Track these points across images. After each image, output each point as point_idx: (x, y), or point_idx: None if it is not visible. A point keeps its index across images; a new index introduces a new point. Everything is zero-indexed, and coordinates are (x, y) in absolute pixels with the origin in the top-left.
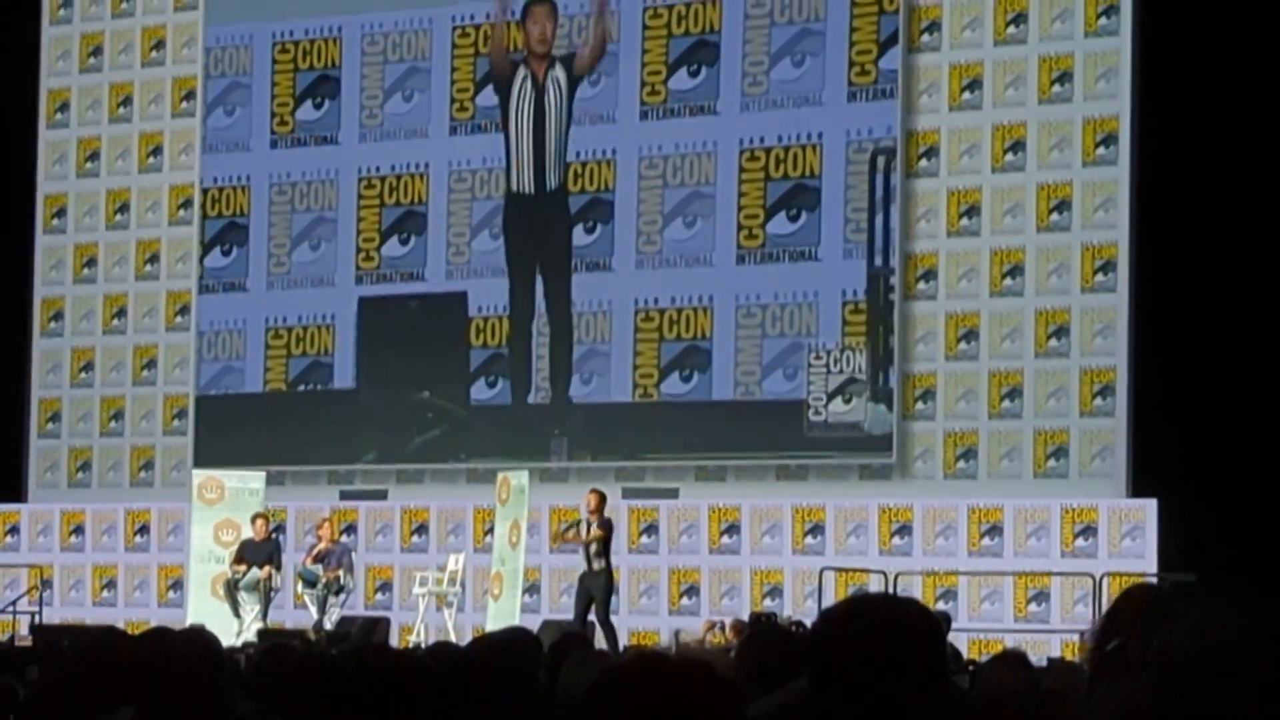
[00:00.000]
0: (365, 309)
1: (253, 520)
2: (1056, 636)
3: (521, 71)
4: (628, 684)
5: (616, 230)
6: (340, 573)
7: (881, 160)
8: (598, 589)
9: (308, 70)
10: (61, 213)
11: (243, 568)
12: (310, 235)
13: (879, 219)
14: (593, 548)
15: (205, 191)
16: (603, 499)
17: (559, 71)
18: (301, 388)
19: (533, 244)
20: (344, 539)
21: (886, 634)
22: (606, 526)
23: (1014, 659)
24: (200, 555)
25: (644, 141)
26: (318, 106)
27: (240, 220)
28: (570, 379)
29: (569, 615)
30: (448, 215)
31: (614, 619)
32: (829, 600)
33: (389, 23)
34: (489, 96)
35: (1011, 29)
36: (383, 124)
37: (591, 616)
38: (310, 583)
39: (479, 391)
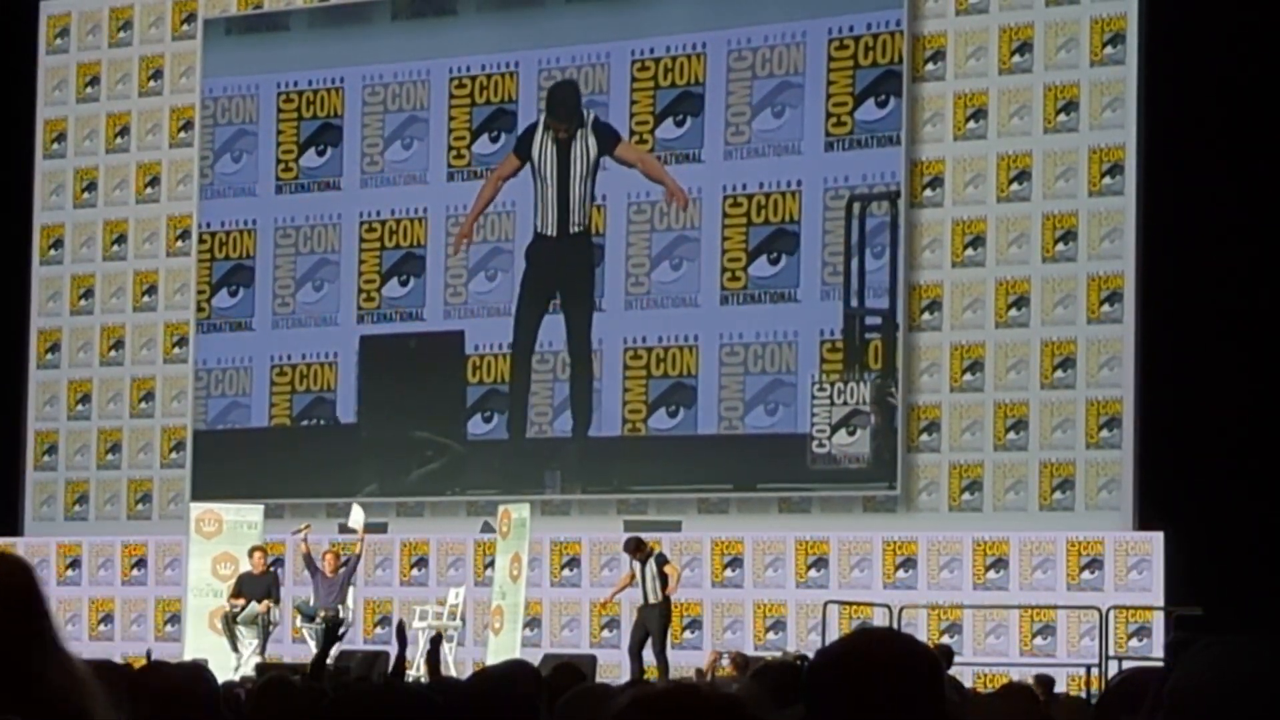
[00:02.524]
0: (366, 347)
1: (250, 554)
2: (1062, 670)
3: (541, 130)
4: (658, 715)
5: (607, 272)
6: (339, 607)
7: (857, 206)
8: (654, 621)
9: (311, 119)
10: (58, 243)
11: (241, 601)
12: (314, 276)
13: (854, 261)
14: (650, 583)
15: (214, 235)
16: (638, 545)
17: (589, 129)
18: (305, 422)
19: (552, 283)
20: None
21: (885, 669)
22: (663, 560)
23: (1019, 692)
24: (198, 589)
25: (633, 188)
26: (321, 154)
27: (246, 262)
28: (591, 415)
29: (570, 649)
30: (445, 258)
31: (615, 652)
32: (833, 634)
33: (389, 74)
34: (485, 144)
35: (1017, 58)
36: (383, 170)
37: (647, 650)
38: (309, 617)
39: (475, 426)
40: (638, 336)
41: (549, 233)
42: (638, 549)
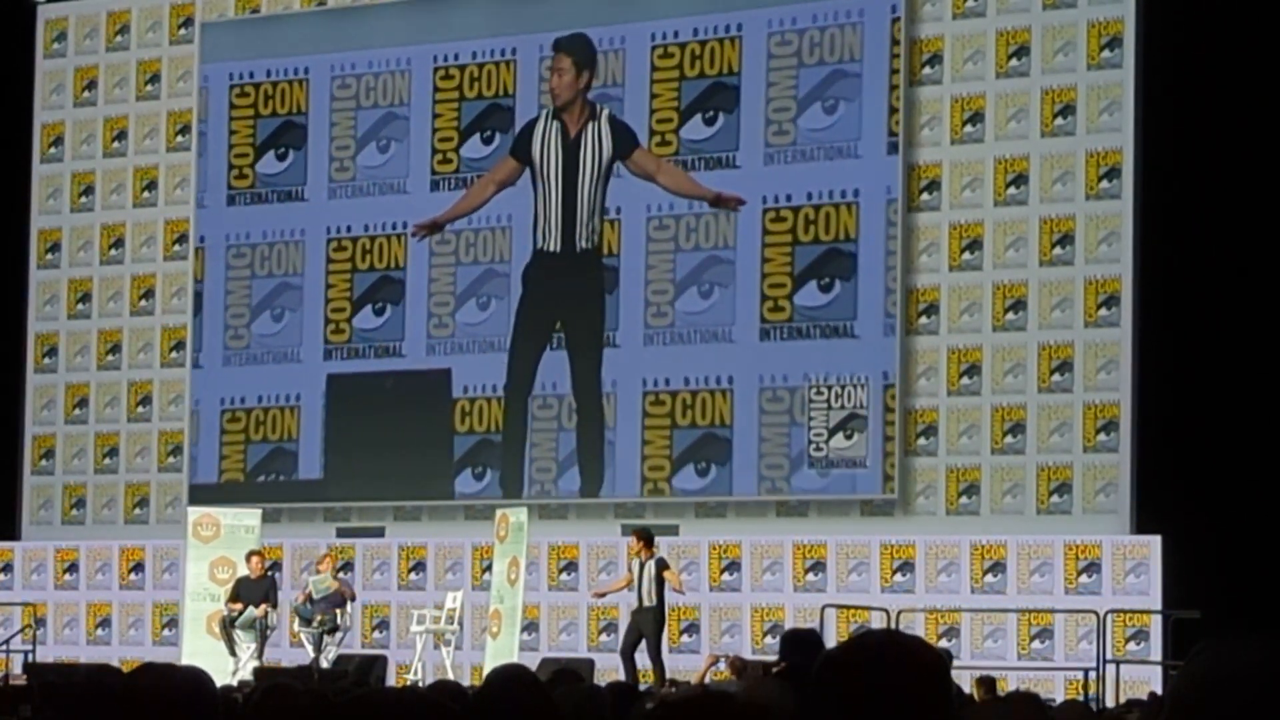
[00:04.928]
0: (335, 388)
1: (248, 558)
2: (1060, 674)
3: (544, 122)
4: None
5: (622, 300)
6: (336, 611)
7: None
8: (648, 625)
9: (270, 116)
10: (55, 247)
11: (239, 606)
12: (272, 304)
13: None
14: (647, 586)
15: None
16: (644, 539)
17: (603, 123)
18: (261, 478)
19: (554, 311)
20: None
21: (890, 672)
22: (663, 565)
23: (1025, 700)
24: (195, 593)
25: (652, 199)
26: (281, 158)
27: (193, 285)
28: (604, 471)
29: (568, 653)
30: (429, 282)
31: (613, 656)
32: (831, 638)
33: (362, 63)
34: (476, 147)
35: (1014, 61)
36: (355, 178)
37: (640, 652)
38: (306, 619)
39: (465, 484)
40: (660, 378)
41: (552, 248)
42: (646, 545)
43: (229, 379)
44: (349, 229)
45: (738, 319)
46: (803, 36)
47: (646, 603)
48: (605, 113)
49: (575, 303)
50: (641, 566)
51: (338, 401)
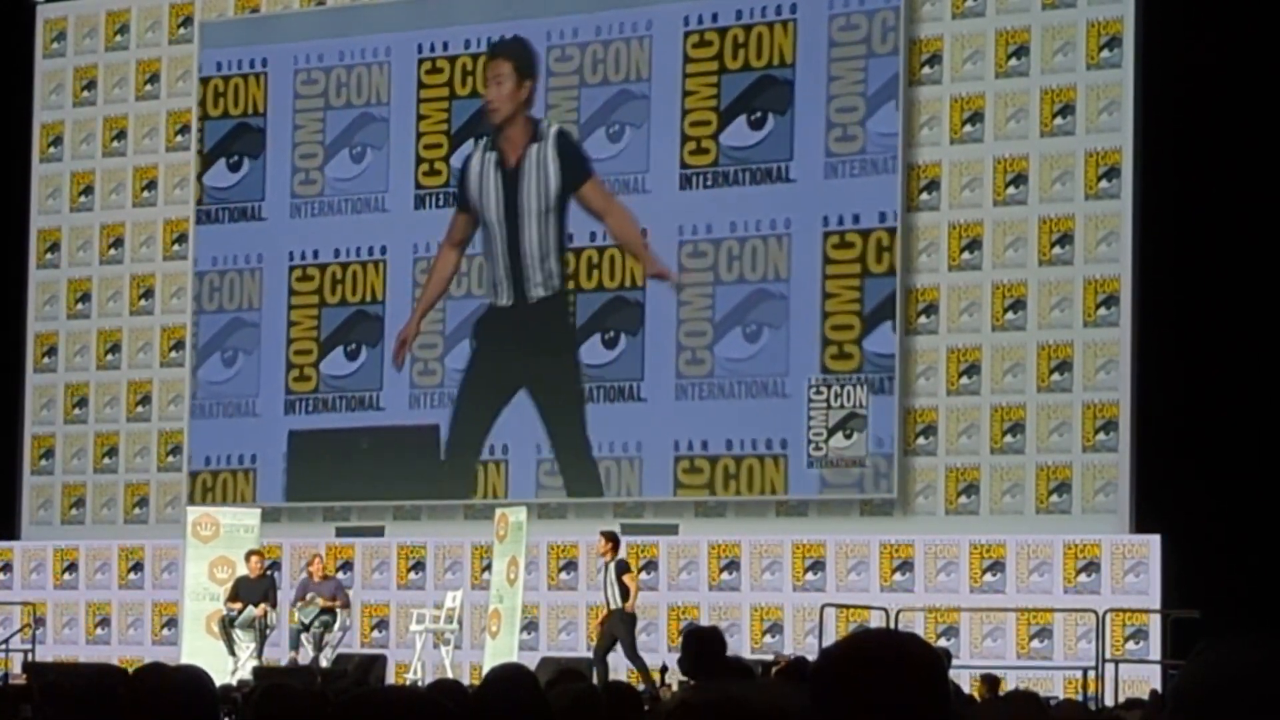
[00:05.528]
0: (298, 446)
1: (247, 557)
2: (1059, 673)
3: (480, 154)
4: None
5: (647, 345)
6: (335, 606)
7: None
8: (619, 627)
9: (220, 118)
10: (55, 247)
11: (238, 605)
12: (223, 344)
13: None
14: (610, 589)
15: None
16: (612, 541)
17: (549, 148)
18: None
19: (507, 370)
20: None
21: (889, 670)
22: (623, 569)
23: (1025, 699)
24: (195, 593)
25: (686, 218)
26: (234, 167)
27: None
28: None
29: (568, 653)
30: (415, 319)
31: (612, 655)
32: (830, 637)
33: (332, 53)
34: (469, 154)
35: (1013, 61)
36: (323, 192)
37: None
38: (304, 626)
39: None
40: (692, 440)
41: (504, 301)
42: (613, 548)
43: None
44: (316, 255)
45: (792, 367)
46: (872, 19)
47: (612, 605)
48: (554, 131)
49: (535, 362)
50: (606, 568)
51: (301, 462)
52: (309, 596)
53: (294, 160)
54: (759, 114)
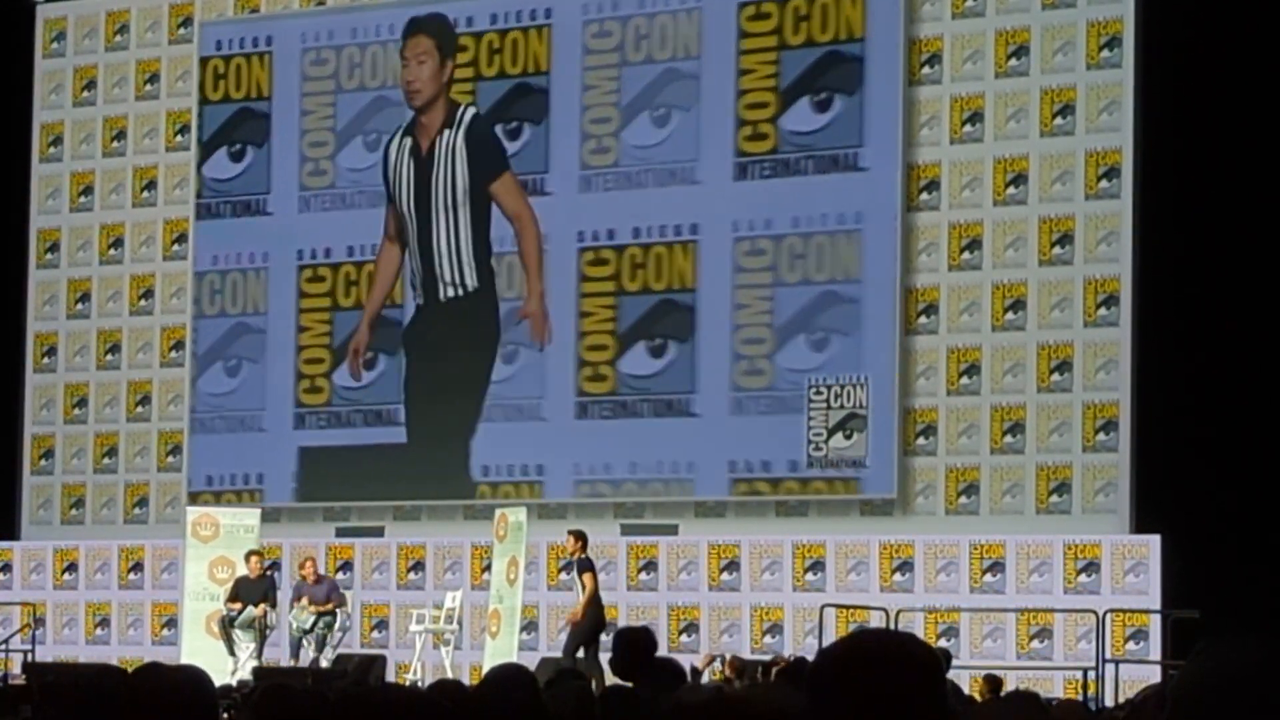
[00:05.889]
0: (309, 464)
1: (247, 558)
2: (1059, 674)
3: (398, 139)
4: None
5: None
6: (331, 609)
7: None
8: (580, 627)
9: (222, 101)
10: (55, 247)
11: (238, 605)
12: (226, 352)
13: None
14: (575, 588)
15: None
16: (580, 539)
17: (459, 135)
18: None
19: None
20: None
21: (886, 670)
22: (584, 567)
23: (1025, 700)
24: (195, 593)
25: (741, 213)
26: (236, 157)
27: None
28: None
29: None
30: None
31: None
32: (830, 638)
33: (343, 28)
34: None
35: (1013, 61)
36: (334, 184)
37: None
38: (304, 629)
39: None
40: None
41: (418, 300)
42: (581, 546)
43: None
44: (327, 253)
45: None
46: None
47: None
48: (468, 115)
49: (441, 366)
50: (571, 566)
51: (312, 481)
52: (303, 601)
53: (302, 149)
54: (825, 95)
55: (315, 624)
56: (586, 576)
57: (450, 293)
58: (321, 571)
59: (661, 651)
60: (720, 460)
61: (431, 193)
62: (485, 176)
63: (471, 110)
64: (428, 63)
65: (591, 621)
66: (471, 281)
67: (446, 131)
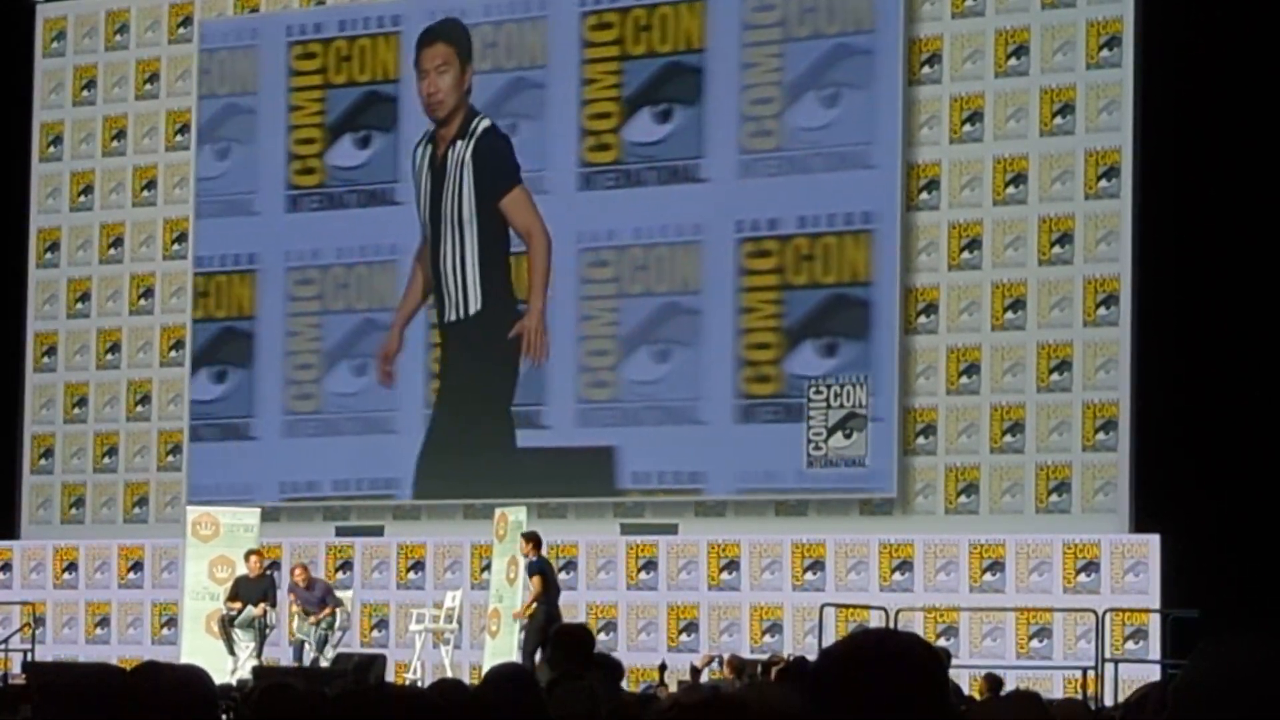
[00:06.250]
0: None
1: (246, 557)
2: (1059, 673)
3: (421, 147)
4: None
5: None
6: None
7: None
8: (537, 628)
9: (209, 95)
10: (55, 246)
11: (237, 605)
12: (212, 358)
13: None
14: (523, 592)
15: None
16: (531, 541)
17: (468, 145)
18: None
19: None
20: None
21: (889, 670)
22: (532, 569)
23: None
24: (195, 592)
25: (747, 212)
26: (221, 155)
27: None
28: None
29: None
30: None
31: (613, 655)
32: (829, 637)
33: (331, 21)
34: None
35: (1013, 61)
36: (324, 183)
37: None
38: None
39: None
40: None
41: (432, 319)
42: (534, 548)
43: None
44: (315, 254)
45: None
46: None
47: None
48: (481, 127)
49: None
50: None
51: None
52: (297, 609)
53: (288, 146)
54: (831, 90)
55: (315, 633)
56: (535, 579)
57: (452, 315)
58: (316, 575)
59: (660, 651)
60: (728, 467)
61: (441, 207)
62: (494, 193)
63: (485, 122)
64: (448, 72)
65: (545, 619)
66: (475, 305)
67: (459, 143)
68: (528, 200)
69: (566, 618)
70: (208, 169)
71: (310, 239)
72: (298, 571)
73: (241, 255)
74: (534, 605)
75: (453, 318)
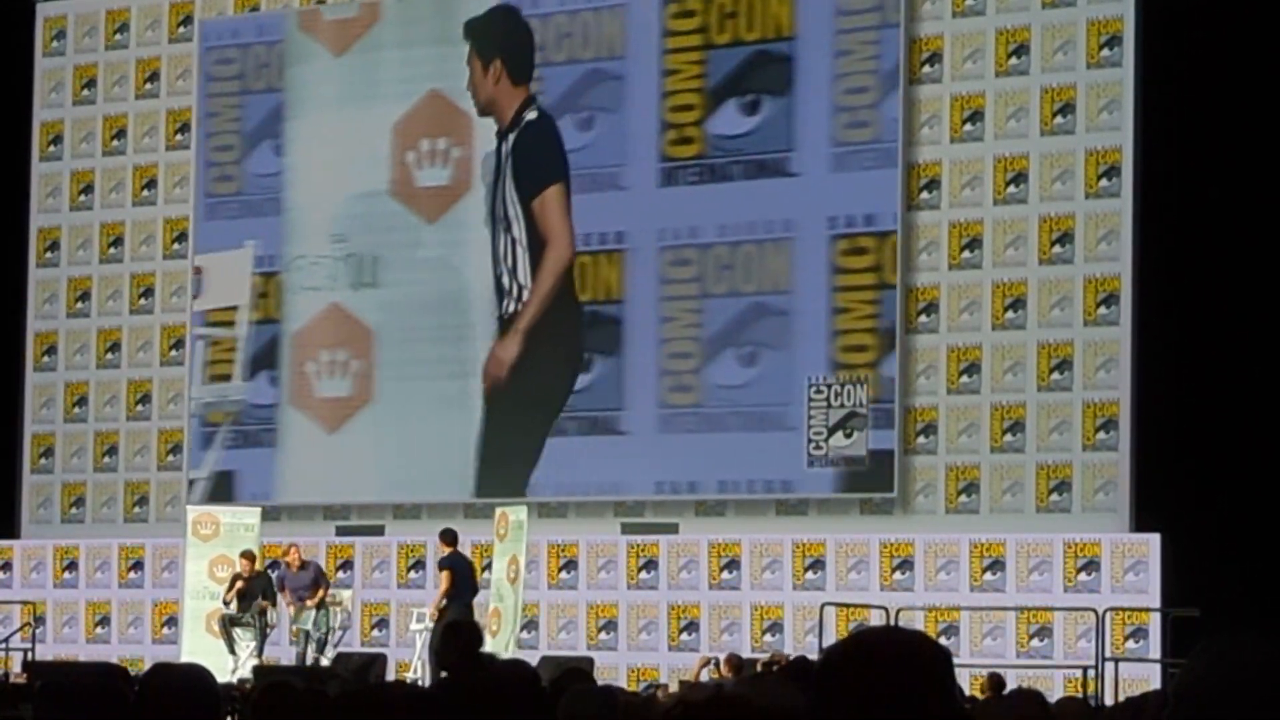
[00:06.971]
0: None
1: (241, 558)
2: (1059, 672)
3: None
4: None
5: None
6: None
7: None
8: (435, 632)
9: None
10: (55, 246)
11: (233, 593)
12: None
13: None
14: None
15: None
16: (444, 539)
17: (509, 142)
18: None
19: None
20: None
21: (895, 667)
22: (442, 565)
23: (1028, 698)
24: (195, 591)
25: (840, 207)
26: (585, 126)
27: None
28: None
29: (568, 651)
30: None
31: (612, 654)
32: (830, 637)
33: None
34: (487, 135)
35: (1013, 60)
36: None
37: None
38: (307, 629)
39: None
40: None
41: (493, 313)
42: (447, 546)
43: None
44: (693, 233)
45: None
46: None
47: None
48: (526, 118)
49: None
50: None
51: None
52: (289, 595)
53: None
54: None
55: (316, 618)
56: (444, 575)
57: (508, 308)
58: (306, 559)
59: (662, 651)
60: (819, 475)
61: (493, 203)
62: (531, 190)
63: (532, 113)
64: (474, 67)
65: (455, 616)
66: (517, 302)
67: (511, 135)
68: (560, 202)
69: (568, 617)
70: (571, 140)
71: (687, 216)
72: (292, 552)
73: (608, 234)
74: (443, 602)
75: (508, 309)
